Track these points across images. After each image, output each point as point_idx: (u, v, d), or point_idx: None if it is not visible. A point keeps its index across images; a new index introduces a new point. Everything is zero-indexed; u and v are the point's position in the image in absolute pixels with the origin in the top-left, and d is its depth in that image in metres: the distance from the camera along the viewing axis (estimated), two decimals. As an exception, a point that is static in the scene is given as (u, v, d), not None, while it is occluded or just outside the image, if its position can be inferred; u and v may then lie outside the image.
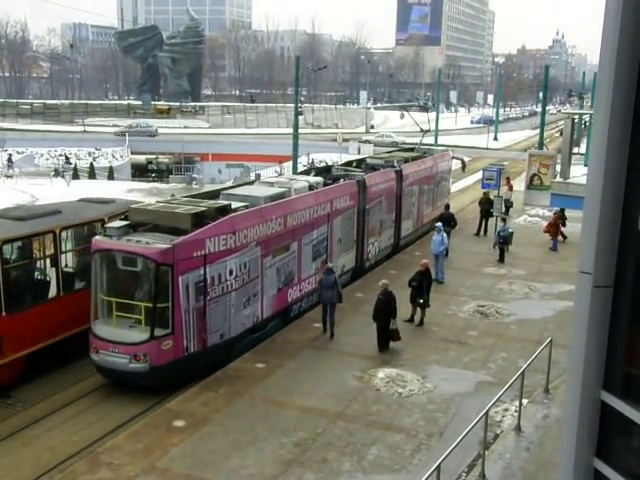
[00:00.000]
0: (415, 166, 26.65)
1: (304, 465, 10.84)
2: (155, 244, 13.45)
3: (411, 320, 17.36)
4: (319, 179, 21.04)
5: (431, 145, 37.98)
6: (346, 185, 21.03)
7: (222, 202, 16.00)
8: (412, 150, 31.63)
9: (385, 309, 15.42)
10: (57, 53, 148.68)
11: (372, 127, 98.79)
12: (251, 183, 21.31)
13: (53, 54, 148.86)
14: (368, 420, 12.35)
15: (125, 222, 14.38)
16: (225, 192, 17.87)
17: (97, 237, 14.20)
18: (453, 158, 33.74)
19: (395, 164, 25.15)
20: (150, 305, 13.48)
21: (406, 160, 26.62)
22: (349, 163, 26.54)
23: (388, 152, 31.76)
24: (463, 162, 37.64)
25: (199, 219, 14.32)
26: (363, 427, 12.07)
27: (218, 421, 12.17)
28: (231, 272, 14.76)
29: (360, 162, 26.47)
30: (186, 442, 11.43)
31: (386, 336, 15.54)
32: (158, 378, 13.49)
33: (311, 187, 19.65)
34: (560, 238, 26.45)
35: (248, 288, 15.46)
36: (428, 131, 33.59)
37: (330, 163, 53.68)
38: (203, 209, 14.79)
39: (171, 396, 13.44)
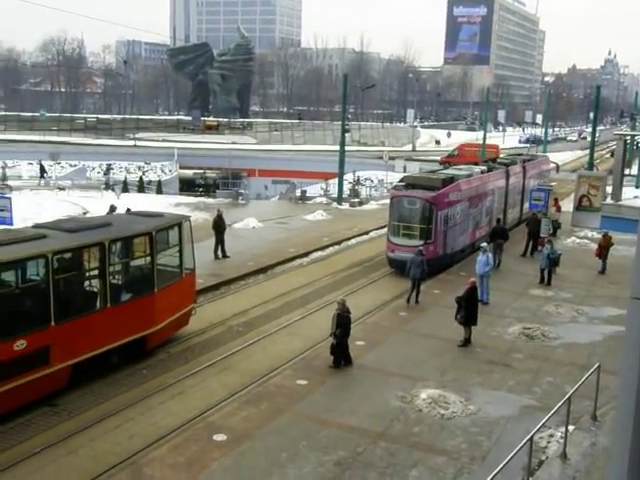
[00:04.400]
0: (531, 165, 37.20)
1: (344, 485, 10.75)
2: (426, 193, 24.14)
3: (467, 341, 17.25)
4: (484, 167, 30.90)
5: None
6: (500, 172, 31.52)
7: (451, 174, 27.07)
8: (522, 155, 43.22)
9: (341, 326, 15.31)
10: (111, 69, 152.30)
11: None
12: (446, 168, 32.43)
13: (107, 70, 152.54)
14: (410, 441, 12.20)
15: (402, 183, 25.69)
16: (438, 172, 29.40)
17: (392, 190, 26.68)
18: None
19: (518, 162, 35.21)
20: (423, 226, 24.19)
21: (524, 161, 36.67)
22: (485, 161, 36.91)
23: (509, 156, 43.33)
24: (557, 165, 46.02)
25: (443, 182, 25.05)
26: (405, 448, 11.92)
27: (259, 437, 12.15)
28: (457, 214, 25.45)
29: (493, 160, 36.83)
30: (227, 457, 11.44)
31: (340, 352, 15.44)
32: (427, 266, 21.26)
33: (482, 172, 29.52)
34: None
35: (462, 225, 26.20)
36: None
37: (375, 181, 54.13)
38: (444, 177, 26.03)
39: (212, 410, 13.53)
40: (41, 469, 11.39)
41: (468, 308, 16.90)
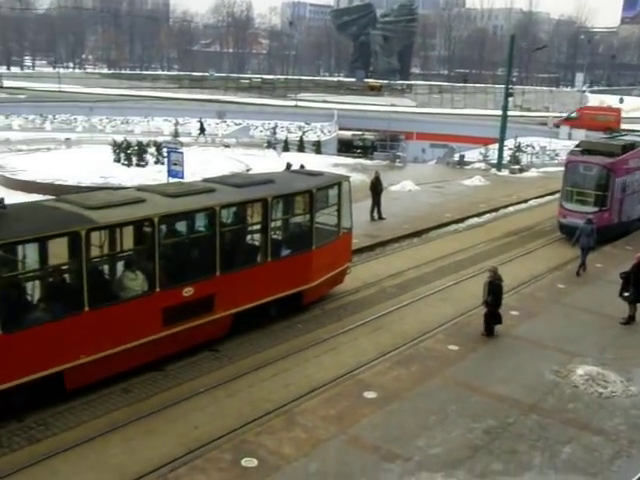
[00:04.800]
0: None
1: (492, 454, 10.66)
2: (604, 159, 23.76)
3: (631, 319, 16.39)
4: None
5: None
6: None
7: (631, 140, 26.35)
8: None
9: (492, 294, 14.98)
10: (276, 30, 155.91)
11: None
12: (612, 138, 29.89)
13: (273, 31, 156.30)
14: (563, 417, 11.86)
15: (579, 148, 25.33)
16: (617, 138, 28.43)
17: (568, 155, 25.62)
18: None
19: None
20: (599, 193, 23.75)
21: None
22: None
23: None
24: None
25: (623, 148, 24.59)
26: (557, 423, 11.61)
27: (408, 398, 12.29)
28: (636, 181, 25.02)
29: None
30: (376, 414, 11.68)
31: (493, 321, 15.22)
32: (598, 234, 20.71)
33: None
34: None
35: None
36: None
37: (537, 148, 52.15)
38: (624, 143, 25.42)
39: (363, 367, 13.82)
40: (203, 408, 12.17)
41: (636, 285, 15.99)
